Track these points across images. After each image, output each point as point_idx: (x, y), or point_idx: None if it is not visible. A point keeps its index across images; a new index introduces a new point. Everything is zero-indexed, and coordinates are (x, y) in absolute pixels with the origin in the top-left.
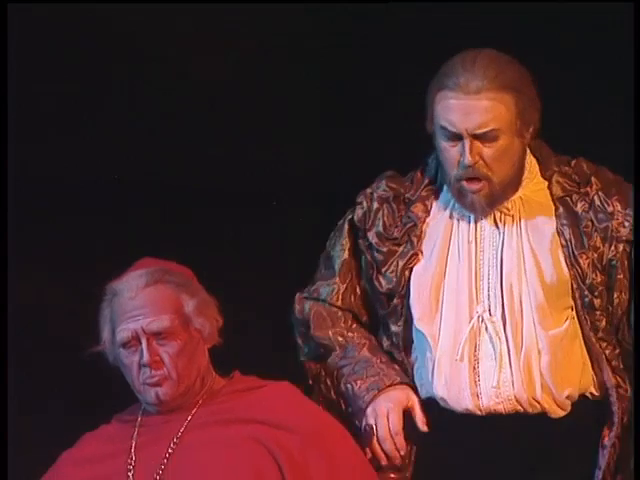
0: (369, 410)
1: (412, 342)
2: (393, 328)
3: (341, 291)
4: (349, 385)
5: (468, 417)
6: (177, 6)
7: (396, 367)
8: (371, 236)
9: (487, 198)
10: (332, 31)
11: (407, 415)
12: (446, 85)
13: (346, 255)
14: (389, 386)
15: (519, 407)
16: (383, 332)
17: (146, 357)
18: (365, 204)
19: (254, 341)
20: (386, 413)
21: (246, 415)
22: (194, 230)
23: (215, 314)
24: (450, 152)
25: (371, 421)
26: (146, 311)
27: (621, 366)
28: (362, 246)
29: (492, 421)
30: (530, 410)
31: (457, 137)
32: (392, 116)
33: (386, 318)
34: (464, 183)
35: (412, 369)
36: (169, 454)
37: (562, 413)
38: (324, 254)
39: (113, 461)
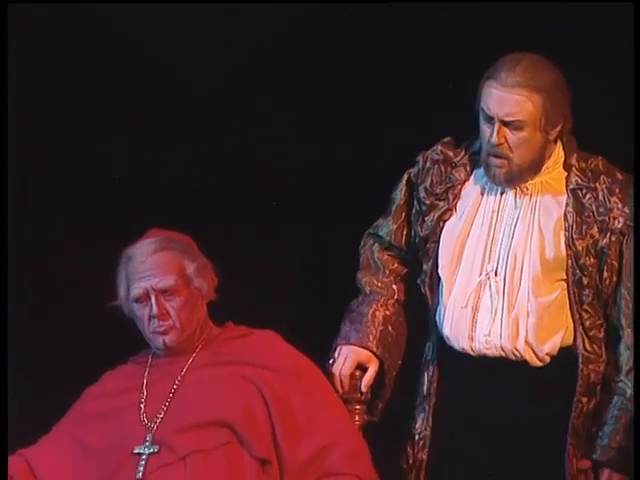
0: (337, 349)
1: (437, 281)
2: (424, 267)
3: (393, 229)
4: (342, 325)
5: (466, 355)
6: (178, 6)
7: (375, 335)
8: (420, 190)
9: (506, 174)
10: (332, 31)
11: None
12: (493, 76)
13: (401, 202)
14: (357, 346)
15: (503, 354)
16: (420, 269)
17: (155, 310)
18: (421, 163)
19: (244, 296)
20: (345, 357)
21: (238, 357)
22: (196, 212)
23: (212, 275)
24: (485, 130)
25: (335, 356)
26: (155, 272)
27: (600, 335)
28: (414, 197)
29: (483, 361)
30: (513, 358)
31: (491, 120)
32: (392, 115)
33: (421, 258)
34: (491, 158)
35: (432, 304)
36: (174, 389)
37: (541, 364)
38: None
39: (128, 395)
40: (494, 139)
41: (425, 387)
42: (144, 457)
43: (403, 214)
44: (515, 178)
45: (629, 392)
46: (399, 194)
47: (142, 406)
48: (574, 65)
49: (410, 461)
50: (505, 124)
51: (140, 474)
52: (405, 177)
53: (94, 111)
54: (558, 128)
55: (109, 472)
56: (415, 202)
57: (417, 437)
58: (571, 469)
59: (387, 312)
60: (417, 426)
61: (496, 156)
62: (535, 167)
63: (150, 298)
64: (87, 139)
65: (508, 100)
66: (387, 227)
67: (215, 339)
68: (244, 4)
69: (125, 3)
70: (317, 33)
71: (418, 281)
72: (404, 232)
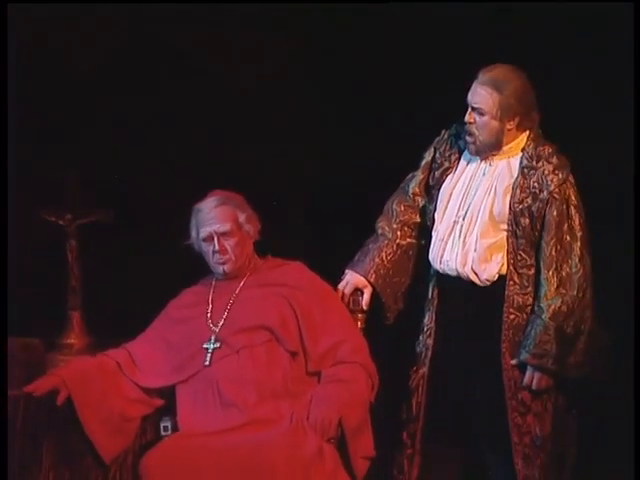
0: (346, 272)
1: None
2: (430, 207)
3: (419, 180)
4: (356, 255)
5: (438, 273)
6: (174, 6)
7: (372, 267)
8: (437, 153)
9: (474, 146)
10: (332, 31)
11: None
12: (476, 76)
13: (428, 160)
14: (358, 273)
15: (457, 274)
16: (427, 209)
17: (217, 247)
18: (442, 134)
19: (280, 237)
20: (347, 281)
21: (275, 281)
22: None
23: (257, 222)
24: (467, 112)
25: (343, 277)
26: (216, 220)
27: (530, 272)
28: (435, 158)
29: (447, 278)
30: (464, 278)
31: (469, 105)
32: (393, 115)
33: (429, 200)
34: (466, 133)
35: (430, 235)
36: (231, 303)
37: (483, 285)
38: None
39: (198, 307)
40: (466, 118)
41: (430, 292)
42: (210, 350)
43: (427, 170)
44: (480, 151)
45: (544, 314)
46: (427, 155)
47: (208, 315)
48: (574, 64)
49: (421, 345)
50: (473, 109)
51: (207, 362)
52: (433, 143)
53: (92, 109)
54: (514, 122)
55: (185, 360)
56: (433, 162)
57: (425, 328)
58: (506, 364)
59: (387, 251)
60: (425, 321)
61: (468, 133)
62: (494, 146)
63: (214, 239)
64: (86, 138)
65: (478, 92)
66: (416, 178)
67: (259, 268)
68: (248, 4)
69: (125, 3)
70: (317, 32)
71: (426, 217)
72: (425, 182)
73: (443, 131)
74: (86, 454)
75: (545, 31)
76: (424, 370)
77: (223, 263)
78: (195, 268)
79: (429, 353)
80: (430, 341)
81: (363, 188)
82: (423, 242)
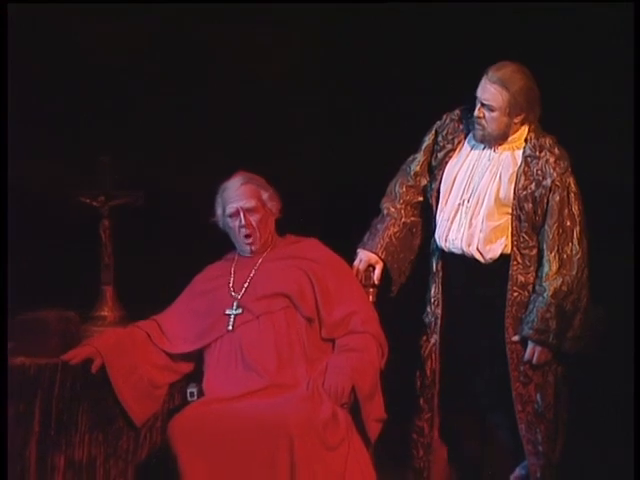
0: (358, 251)
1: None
2: (432, 186)
3: (420, 161)
4: (365, 235)
5: (443, 250)
6: (173, 5)
7: (382, 245)
8: (439, 136)
9: (481, 137)
10: (332, 31)
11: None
12: (486, 72)
13: (429, 143)
14: (369, 251)
15: (462, 253)
16: (430, 188)
17: (242, 222)
18: (444, 119)
19: (297, 218)
20: (360, 259)
21: (293, 254)
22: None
23: (278, 201)
24: (475, 106)
25: (357, 254)
26: (242, 197)
27: (532, 253)
28: (436, 140)
29: (452, 255)
30: (469, 256)
31: (477, 100)
32: (393, 115)
33: (431, 180)
34: (474, 124)
35: (435, 211)
36: (252, 276)
37: (487, 263)
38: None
39: (222, 278)
40: (475, 113)
41: (434, 265)
42: (232, 316)
43: (428, 152)
44: (486, 140)
45: (545, 293)
46: (428, 138)
47: (231, 285)
48: (574, 64)
49: (430, 315)
50: (483, 105)
51: (230, 327)
52: (434, 127)
53: (91, 108)
54: (520, 117)
55: (209, 325)
56: (435, 144)
57: (433, 299)
58: (508, 338)
59: (394, 229)
60: (432, 292)
61: (477, 124)
62: (500, 137)
63: (240, 214)
64: (87, 137)
65: (488, 90)
66: (417, 159)
67: (279, 244)
68: (255, 3)
69: (125, 3)
70: (316, 32)
71: (428, 195)
72: (427, 163)
73: (445, 115)
74: (118, 418)
75: (545, 31)
76: (436, 338)
77: (248, 236)
78: (219, 246)
79: (439, 322)
80: (439, 311)
81: (363, 187)
82: (425, 219)
